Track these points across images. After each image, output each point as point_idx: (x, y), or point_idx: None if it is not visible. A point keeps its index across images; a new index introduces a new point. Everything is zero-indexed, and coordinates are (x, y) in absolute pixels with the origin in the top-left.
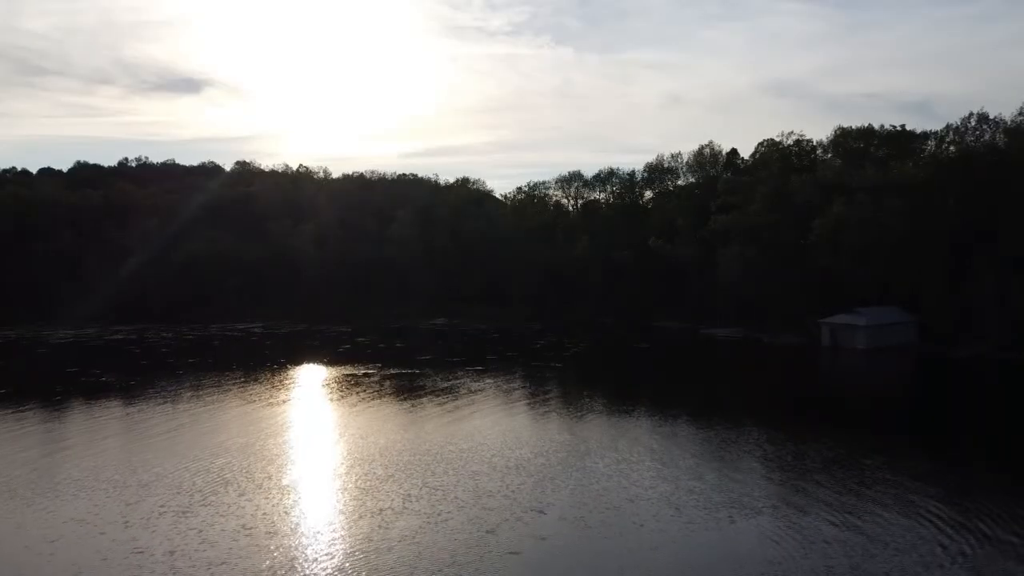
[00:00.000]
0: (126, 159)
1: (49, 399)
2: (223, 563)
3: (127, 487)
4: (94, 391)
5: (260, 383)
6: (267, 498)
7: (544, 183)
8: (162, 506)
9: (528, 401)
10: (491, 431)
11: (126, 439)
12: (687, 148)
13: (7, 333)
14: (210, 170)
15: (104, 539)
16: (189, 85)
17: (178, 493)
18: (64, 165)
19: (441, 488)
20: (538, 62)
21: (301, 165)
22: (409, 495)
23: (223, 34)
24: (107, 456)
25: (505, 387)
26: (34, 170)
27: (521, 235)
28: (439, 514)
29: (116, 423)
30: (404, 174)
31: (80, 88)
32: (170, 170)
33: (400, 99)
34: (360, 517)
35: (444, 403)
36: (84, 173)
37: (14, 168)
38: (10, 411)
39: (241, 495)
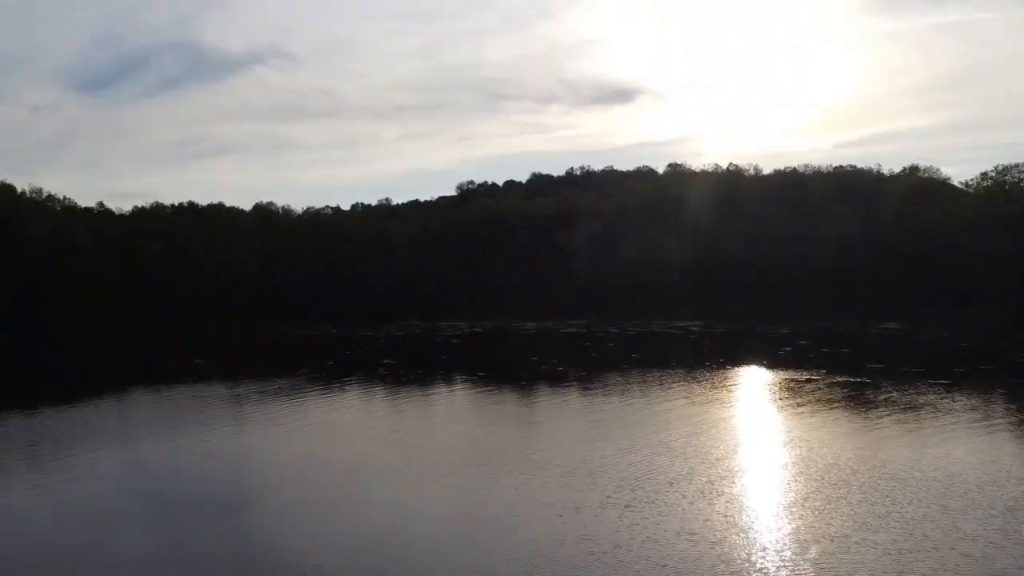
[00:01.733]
0: (572, 168)
1: (516, 384)
2: (664, 565)
3: (575, 474)
4: (552, 379)
5: (699, 381)
6: (709, 504)
7: (1018, 166)
8: (608, 497)
9: (1013, 427)
10: (966, 460)
11: (573, 427)
12: None
13: (485, 323)
14: (644, 174)
15: (559, 522)
16: (621, 96)
17: (621, 487)
18: (523, 177)
19: (903, 519)
20: (999, 27)
21: (731, 164)
22: (866, 523)
23: (647, 45)
24: (552, 440)
25: (982, 408)
26: (500, 183)
27: (990, 227)
28: (900, 551)
29: (568, 411)
30: (841, 166)
31: (532, 108)
32: (609, 176)
33: (826, 86)
34: (813, 542)
35: (903, 421)
36: (539, 183)
37: (486, 182)
38: (488, 390)
39: (683, 497)
